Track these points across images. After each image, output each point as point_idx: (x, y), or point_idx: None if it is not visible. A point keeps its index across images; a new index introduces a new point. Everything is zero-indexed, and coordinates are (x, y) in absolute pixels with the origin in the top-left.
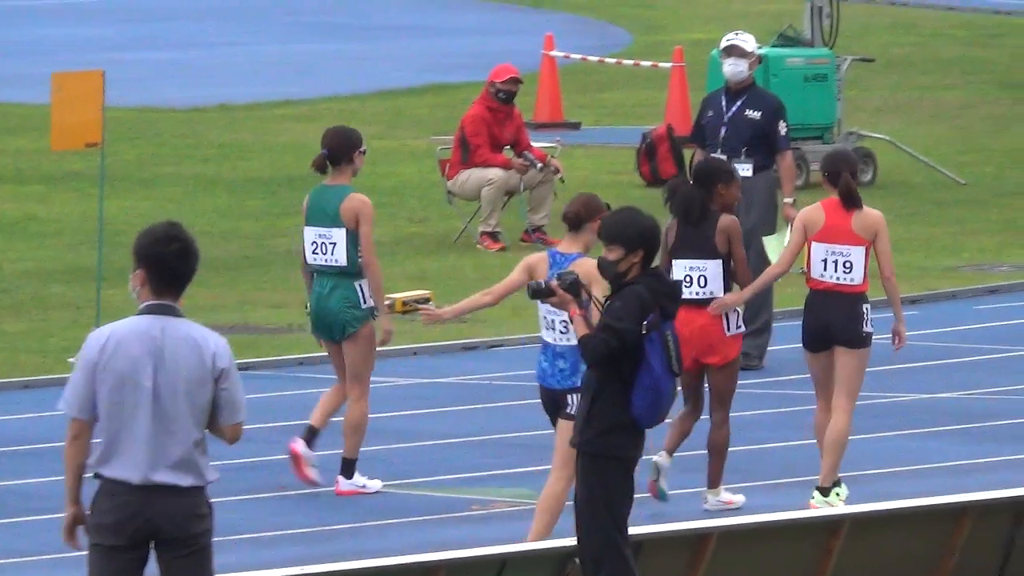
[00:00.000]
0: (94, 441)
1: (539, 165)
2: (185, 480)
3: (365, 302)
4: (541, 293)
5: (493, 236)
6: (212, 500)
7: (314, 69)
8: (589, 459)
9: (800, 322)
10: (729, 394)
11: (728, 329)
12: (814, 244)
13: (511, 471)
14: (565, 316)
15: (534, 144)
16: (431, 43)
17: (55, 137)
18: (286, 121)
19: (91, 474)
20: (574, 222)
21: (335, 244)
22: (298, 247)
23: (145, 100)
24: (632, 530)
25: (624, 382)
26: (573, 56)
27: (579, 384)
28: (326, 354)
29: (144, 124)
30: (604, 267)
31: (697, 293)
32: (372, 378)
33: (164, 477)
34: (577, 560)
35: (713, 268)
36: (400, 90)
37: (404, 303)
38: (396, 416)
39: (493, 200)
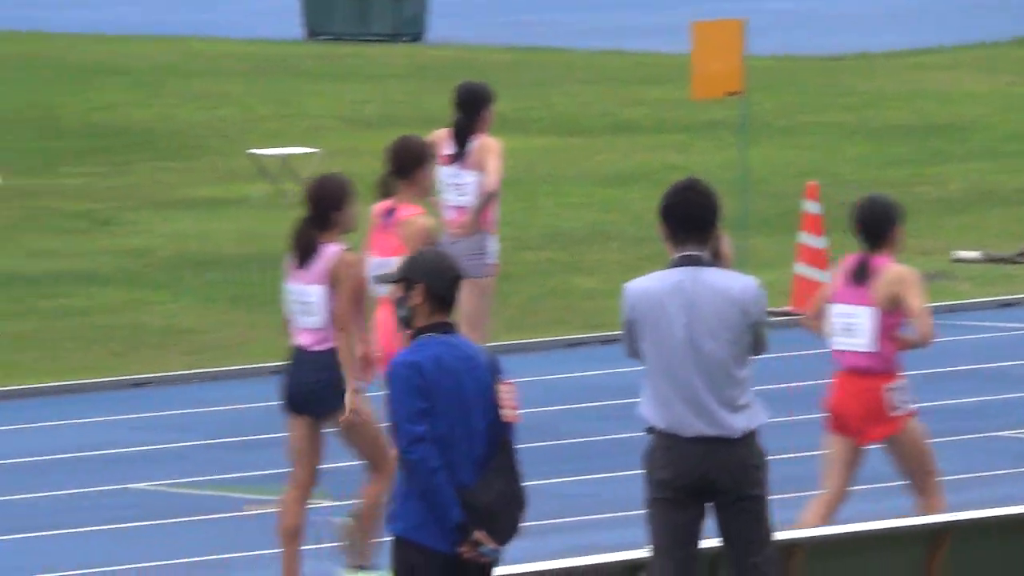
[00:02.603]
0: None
1: None
2: (733, 430)
3: None
4: None
5: None
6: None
7: (948, 17)
8: None
9: None
10: None
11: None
12: None
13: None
14: None
15: None
16: None
17: (696, 86)
18: (926, 70)
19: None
20: None
21: None
22: None
23: (784, 48)
24: (710, 543)
25: None
26: None
27: None
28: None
29: (784, 73)
30: None
31: None
32: None
33: (711, 428)
34: None
35: None
36: None
37: None
38: None
39: None
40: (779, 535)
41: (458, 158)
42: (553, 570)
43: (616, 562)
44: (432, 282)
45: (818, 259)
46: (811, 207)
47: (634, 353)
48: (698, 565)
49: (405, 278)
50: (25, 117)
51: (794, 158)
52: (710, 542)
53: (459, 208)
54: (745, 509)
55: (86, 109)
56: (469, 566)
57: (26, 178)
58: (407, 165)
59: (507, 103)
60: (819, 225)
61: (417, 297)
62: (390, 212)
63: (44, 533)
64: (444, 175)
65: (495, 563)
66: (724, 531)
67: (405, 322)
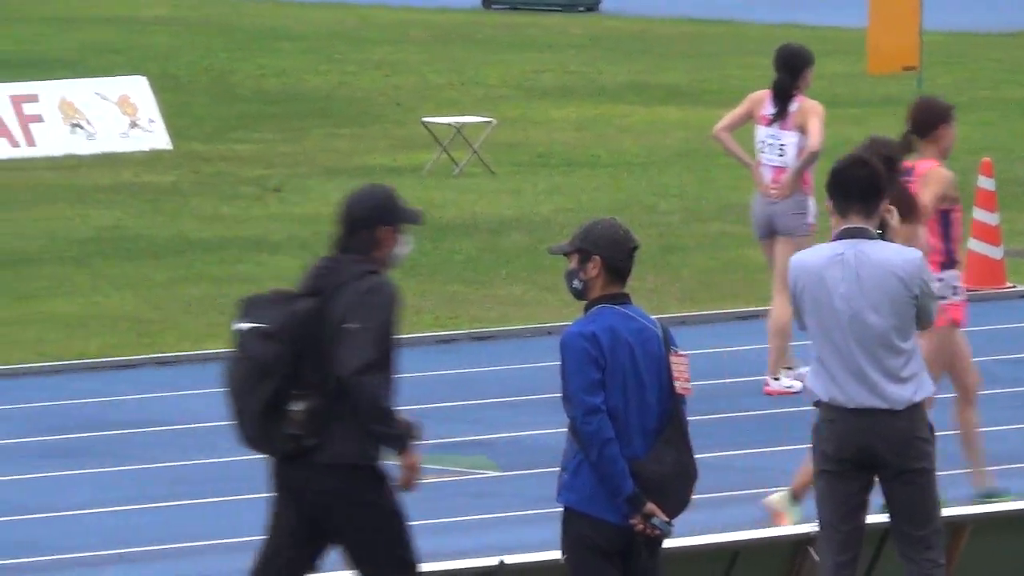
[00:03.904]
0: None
1: None
2: (896, 402)
3: None
4: None
5: None
6: None
7: None
8: None
9: None
10: None
11: None
12: None
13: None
14: None
15: None
16: None
17: (872, 61)
18: None
19: (813, 402)
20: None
21: None
22: None
23: (961, 24)
24: (878, 519)
25: None
26: None
27: None
28: None
29: (960, 48)
30: None
31: None
32: None
33: (874, 400)
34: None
35: None
36: None
37: None
38: None
39: None
40: (946, 511)
41: (778, 118)
42: (723, 543)
43: (785, 536)
44: (610, 254)
45: (991, 235)
46: (985, 183)
47: (802, 326)
48: (865, 538)
49: (581, 249)
50: (198, 82)
51: (968, 134)
52: (880, 516)
53: (778, 168)
54: (909, 482)
55: (259, 75)
56: (639, 539)
57: (199, 144)
58: (928, 124)
59: (681, 75)
60: (993, 201)
61: (594, 269)
62: (909, 171)
63: (216, 499)
64: (763, 135)
65: (666, 536)
66: (889, 504)
67: (578, 293)
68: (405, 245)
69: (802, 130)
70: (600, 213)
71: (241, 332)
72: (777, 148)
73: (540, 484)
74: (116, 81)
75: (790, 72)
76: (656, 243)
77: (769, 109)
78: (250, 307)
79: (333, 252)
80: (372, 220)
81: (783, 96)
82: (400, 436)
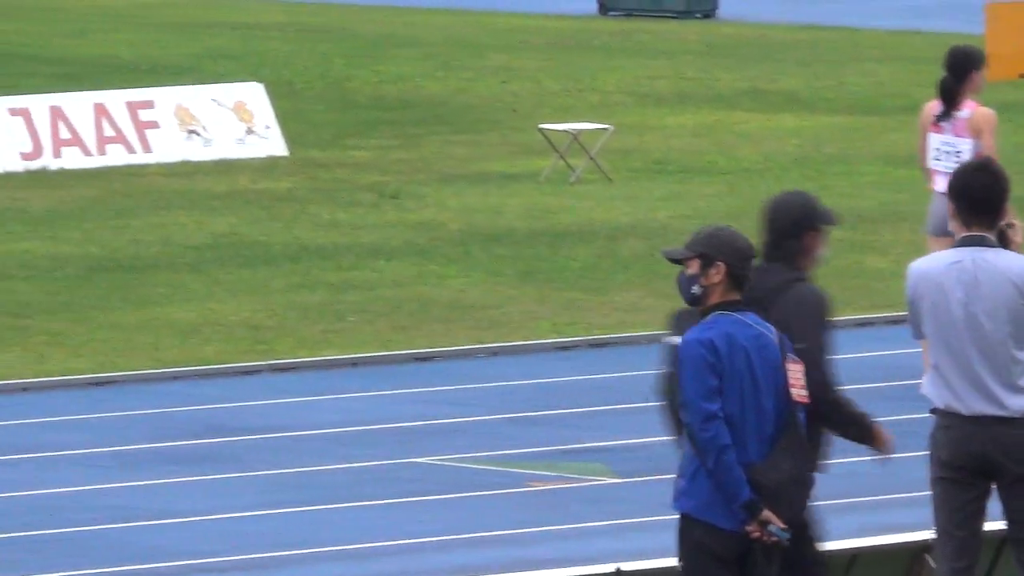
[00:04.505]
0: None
1: None
2: (1013, 410)
3: None
4: None
5: None
6: None
7: None
8: None
9: None
10: None
11: None
12: None
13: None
14: None
15: None
16: None
17: (990, 67)
18: None
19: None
20: None
21: None
22: None
23: None
24: (996, 526)
25: None
26: None
27: None
28: None
29: None
30: None
31: None
32: None
33: (990, 408)
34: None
35: None
36: None
37: None
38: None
39: None
40: None
41: (944, 118)
42: (841, 550)
43: (902, 543)
44: (733, 261)
45: None
46: None
47: (918, 334)
48: (982, 546)
49: (704, 255)
50: (314, 89)
51: None
52: (997, 524)
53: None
54: None
55: (376, 81)
56: (756, 546)
57: (315, 150)
58: (964, 68)
59: (799, 81)
60: None
61: (716, 275)
62: (947, 113)
63: (332, 506)
64: (938, 143)
65: (783, 543)
66: (1006, 512)
67: (696, 299)
68: (826, 245)
69: (977, 136)
70: (717, 220)
71: (674, 346)
72: (953, 156)
73: (657, 491)
74: (232, 87)
75: (954, 73)
76: None
77: (938, 111)
78: (680, 320)
79: (761, 262)
80: (797, 228)
81: (947, 97)
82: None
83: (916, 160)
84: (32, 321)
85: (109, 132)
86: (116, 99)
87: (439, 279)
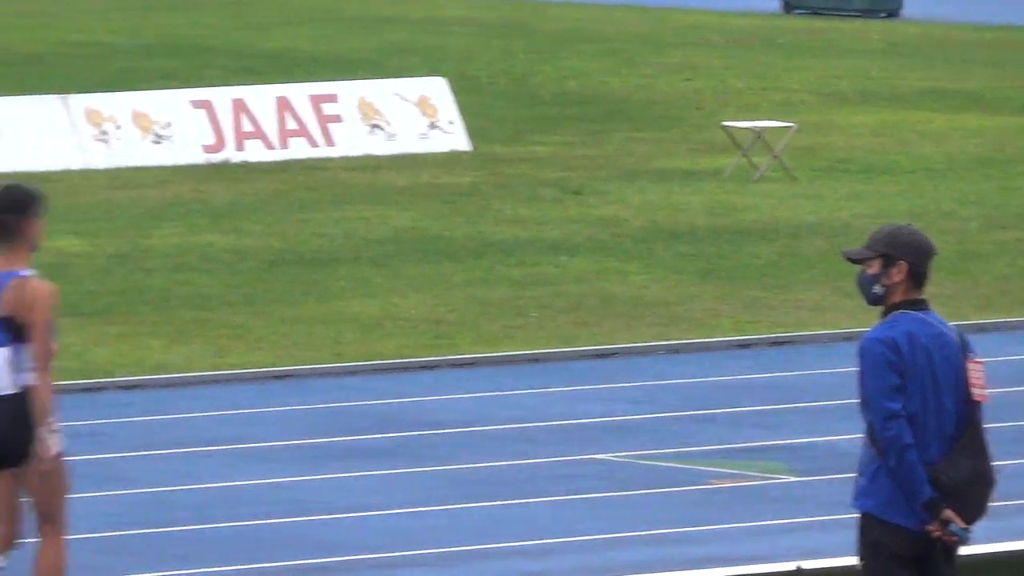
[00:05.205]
0: None
1: None
2: None
3: None
4: None
5: None
6: None
7: None
8: None
9: None
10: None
11: None
12: None
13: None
14: None
15: None
16: None
17: None
18: None
19: None
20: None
21: None
22: None
23: None
24: None
25: None
26: None
27: None
28: None
29: None
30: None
31: None
32: None
33: None
34: None
35: None
36: None
37: None
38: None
39: None
40: None
41: None
42: (1018, 551)
43: None
44: (914, 260)
45: None
46: None
47: None
48: None
49: (886, 254)
50: (497, 84)
51: None
52: None
53: None
54: None
55: (559, 77)
56: (935, 545)
57: (498, 145)
58: None
59: (982, 81)
60: None
61: (898, 275)
62: None
63: (509, 502)
64: None
65: (964, 542)
66: None
67: (877, 298)
68: None
69: None
70: (899, 219)
71: None
72: None
73: (837, 489)
74: (415, 82)
75: None
76: (954, 250)
77: None
78: None
79: None
80: None
81: None
82: None
83: None
84: (213, 314)
85: (292, 125)
86: (299, 92)
87: (621, 276)
